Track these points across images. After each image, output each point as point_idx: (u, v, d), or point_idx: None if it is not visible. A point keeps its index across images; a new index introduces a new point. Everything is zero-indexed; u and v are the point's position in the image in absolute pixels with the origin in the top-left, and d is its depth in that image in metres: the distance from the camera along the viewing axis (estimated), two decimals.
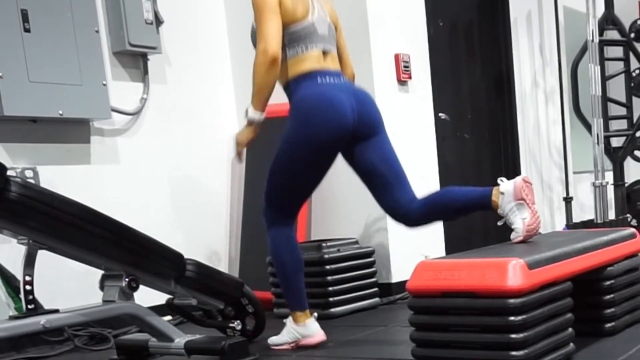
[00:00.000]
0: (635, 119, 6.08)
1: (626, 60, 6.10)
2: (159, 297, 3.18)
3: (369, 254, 4.16)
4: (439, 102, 4.98)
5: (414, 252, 4.20)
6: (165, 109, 4.45)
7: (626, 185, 6.13)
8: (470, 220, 5.31)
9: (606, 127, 5.85)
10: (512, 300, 2.19)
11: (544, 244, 2.69)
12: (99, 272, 2.94)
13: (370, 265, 4.15)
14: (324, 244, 3.98)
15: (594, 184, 5.49)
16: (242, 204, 4.73)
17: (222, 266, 4.69)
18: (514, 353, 2.21)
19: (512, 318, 2.20)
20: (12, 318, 2.67)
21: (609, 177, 5.82)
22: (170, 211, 4.42)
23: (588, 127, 5.71)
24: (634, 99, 6.20)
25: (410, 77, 4.60)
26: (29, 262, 2.66)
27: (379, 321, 3.75)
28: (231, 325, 3.28)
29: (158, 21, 4.25)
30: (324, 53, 3.08)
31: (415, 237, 4.47)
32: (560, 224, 6.17)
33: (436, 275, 2.35)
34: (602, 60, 5.78)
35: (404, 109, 4.56)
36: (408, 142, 4.59)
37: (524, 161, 5.93)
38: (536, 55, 6.14)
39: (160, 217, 4.32)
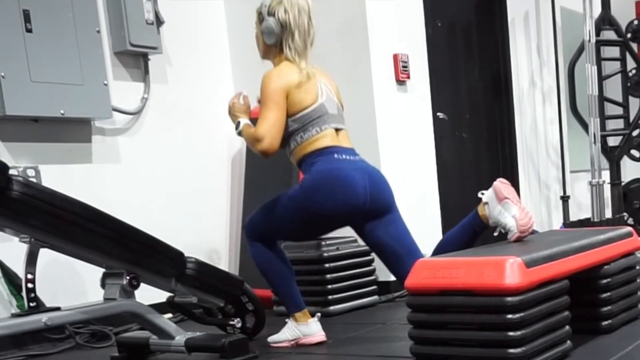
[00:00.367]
0: (631, 119, 6.09)
1: (623, 60, 6.11)
2: (160, 295, 3.19)
3: (368, 253, 4.14)
4: (438, 101, 4.99)
5: None
6: (165, 108, 4.47)
7: (623, 184, 6.14)
8: None
9: (603, 127, 5.86)
10: (509, 298, 2.19)
11: (541, 243, 2.69)
12: (100, 270, 2.95)
13: (369, 263, 4.16)
14: (323, 243, 3.99)
15: (590, 182, 5.50)
16: (242, 202, 4.74)
17: (222, 264, 4.71)
18: (511, 350, 2.21)
19: (509, 316, 2.20)
20: (14, 316, 2.69)
21: (606, 176, 5.84)
22: (170, 210, 4.43)
23: (585, 126, 5.72)
24: (631, 98, 6.20)
25: (408, 77, 4.62)
26: (31, 260, 2.67)
27: (378, 319, 3.76)
28: (231, 323, 3.29)
29: (159, 21, 4.26)
30: (337, 130, 3.10)
31: (414, 236, 4.49)
32: (557, 223, 6.18)
33: (434, 274, 2.35)
34: (599, 60, 5.79)
35: (403, 108, 4.58)
36: (407, 142, 4.61)
37: (522, 160, 5.95)
38: (533, 55, 6.15)
39: (161, 215, 4.32)
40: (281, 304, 3.67)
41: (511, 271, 2.20)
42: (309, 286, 3.87)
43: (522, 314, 2.22)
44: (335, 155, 3.02)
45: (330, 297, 3.93)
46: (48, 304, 2.87)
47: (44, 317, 2.62)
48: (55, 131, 3.88)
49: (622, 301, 2.93)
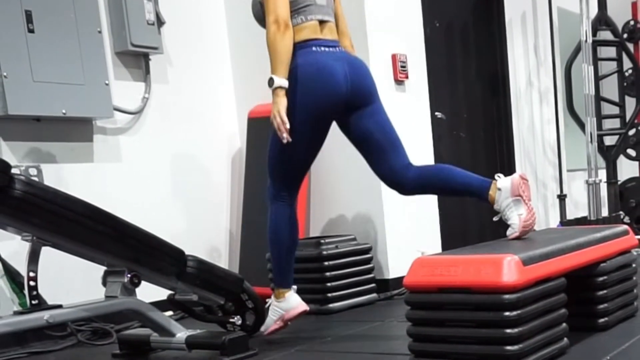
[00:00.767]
0: (627, 118, 6.13)
1: (619, 60, 6.14)
2: (161, 293, 3.20)
3: (367, 251, 4.19)
4: (436, 101, 5.01)
5: (410, 249, 4.22)
6: (166, 108, 4.48)
7: (619, 182, 6.17)
8: (466, 217, 5.38)
9: (599, 126, 5.88)
10: (507, 296, 2.20)
11: (538, 241, 2.70)
12: (102, 268, 2.97)
13: (367, 261, 4.18)
14: (322, 241, 4.01)
15: (587, 181, 5.52)
16: (242, 201, 4.76)
17: (223, 262, 4.72)
18: (508, 347, 2.22)
19: (507, 313, 2.21)
20: (16, 313, 2.70)
21: (602, 174, 5.87)
22: (171, 208, 4.44)
23: (582, 125, 5.74)
24: (627, 98, 6.24)
25: (407, 77, 4.63)
26: (33, 259, 2.69)
27: (377, 316, 3.77)
28: (231, 320, 3.29)
29: (159, 22, 4.27)
30: (321, 22, 3.11)
31: (412, 234, 4.53)
32: (554, 221, 6.20)
33: (432, 271, 2.36)
34: (596, 60, 5.82)
35: (401, 107, 4.59)
36: (405, 141, 4.61)
37: (519, 159, 5.96)
38: (531, 55, 6.17)
39: (162, 214, 4.34)
40: None
41: (508, 269, 2.21)
42: (309, 284, 3.88)
43: (519, 312, 2.22)
44: (314, 48, 3.04)
45: (329, 294, 3.95)
46: (50, 302, 2.90)
47: (46, 315, 2.64)
48: (57, 130, 3.89)
49: (618, 299, 2.93)
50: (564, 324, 2.51)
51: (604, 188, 5.87)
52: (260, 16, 3.15)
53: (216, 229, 4.78)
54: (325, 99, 3.02)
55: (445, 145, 5.23)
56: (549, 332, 2.41)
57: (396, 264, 4.39)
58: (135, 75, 4.31)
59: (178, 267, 3.02)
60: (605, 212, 5.90)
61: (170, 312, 3.83)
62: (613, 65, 6.17)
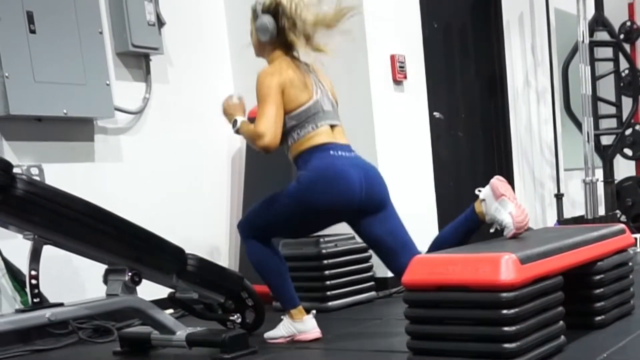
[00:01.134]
0: (624, 118, 6.15)
1: (615, 60, 6.16)
2: (161, 291, 3.21)
3: (366, 249, 4.15)
4: (434, 101, 5.02)
5: None
6: (167, 108, 4.49)
7: (615, 182, 6.19)
8: None
9: (596, 126, 5.89)
10: (504, 294, 2.21)
11: (535, 240, 2.71)
12: (103, 267, 2.98)
13: (366, 260, 4.19)
14: (321, 239, 4.01)
15: (584, 181, 5.54)
16: (242, 200, 4.76)
17: (223, 261, 4.73)
18: (506, 345, 2.23)
19: (504, 311, 2.21)
20: (18, 311, 2.73)
21: (599, 174, 5.88)
22: (171, 207, 4.45)
23: (579, 125, 5.75)
24: (623, 98, 6.27)
25: (405, 77, 4.65)
26: (35, 257, 2.70)
27: (375, 314, 3.78)
28: (231, 318, 3.31)
29: (160, 23, 4.28)
30: (332, 127, 3.11)
31: (411, 233, 4.53)
32: (551, 220, 6.21)
33: (431, 270, 2.36)
34: (592, 60, 5.83)
35: (400, 108, 4.61)
36: (403, 141, 4.65)
37: (517, 159, 5.98)
38: (528, 55, 6.18)
39: (162, 213, 4.34)
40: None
41: (506, 267, 2.22)
42: (308, 282, 3.90)
43: (516, 310, 2.23)
44: (331, 152, 3.04)
45: (328, 293, 3.96)
46: (51, 300, 2.92)
47: (47, 313, 2.66)
48: (59, 130, 3.90)
49: (615, 297, 2.95)
50: (561, 322, 2.52)
51: (600, 187, 5.89)
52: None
53: (216, 227, 4.79)
54: (340, 203, 3.02)
55: (443, 145, 5.24)
56: (546, 330, 2.42)
57: None
58: (135, 75, 4.32)
59: (178, 265, 3.03)
60: (602, 211, 5.92)
61: (170, 310, 3.84)
62: (610, 65, 6.19)
